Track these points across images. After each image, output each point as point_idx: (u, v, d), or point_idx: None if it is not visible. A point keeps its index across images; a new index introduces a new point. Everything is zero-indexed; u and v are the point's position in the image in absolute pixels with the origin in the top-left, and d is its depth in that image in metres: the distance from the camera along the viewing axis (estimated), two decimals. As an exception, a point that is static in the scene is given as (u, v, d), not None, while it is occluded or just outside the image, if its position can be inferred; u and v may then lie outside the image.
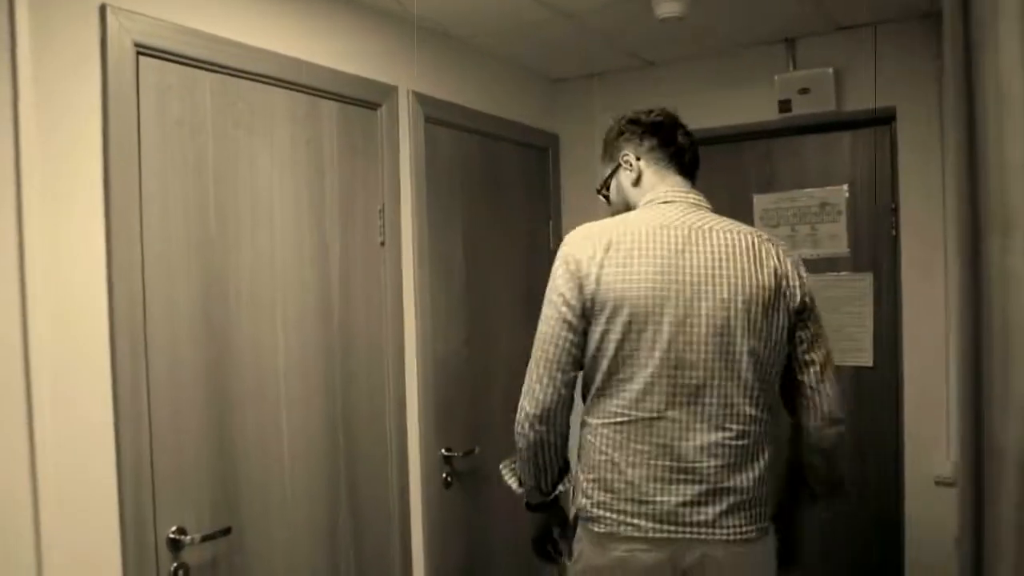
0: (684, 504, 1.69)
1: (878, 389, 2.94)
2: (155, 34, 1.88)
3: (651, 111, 2.01)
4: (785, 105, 2.85)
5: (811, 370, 1.84)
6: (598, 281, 1.73)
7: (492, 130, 3.01)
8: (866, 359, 2.95)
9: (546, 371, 1.78)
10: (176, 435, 1.92)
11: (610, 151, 2.02)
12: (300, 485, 2.23)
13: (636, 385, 1.72)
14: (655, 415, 1.71)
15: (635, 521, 1.71)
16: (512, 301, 3.09)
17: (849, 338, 2.97)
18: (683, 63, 3.15)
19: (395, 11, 2.52)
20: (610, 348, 1.73)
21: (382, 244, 2.51)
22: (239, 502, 2.06)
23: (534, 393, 1.80)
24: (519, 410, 1.83)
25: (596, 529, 1.75)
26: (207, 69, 2.01)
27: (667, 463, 1.71)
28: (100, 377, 1.77)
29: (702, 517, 1.69)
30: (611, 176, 2.01)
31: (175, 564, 1.90)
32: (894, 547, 2.88)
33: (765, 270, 1.76)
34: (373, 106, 2.48)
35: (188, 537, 1.91)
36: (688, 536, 1.69)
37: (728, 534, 1.70)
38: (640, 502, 1.71)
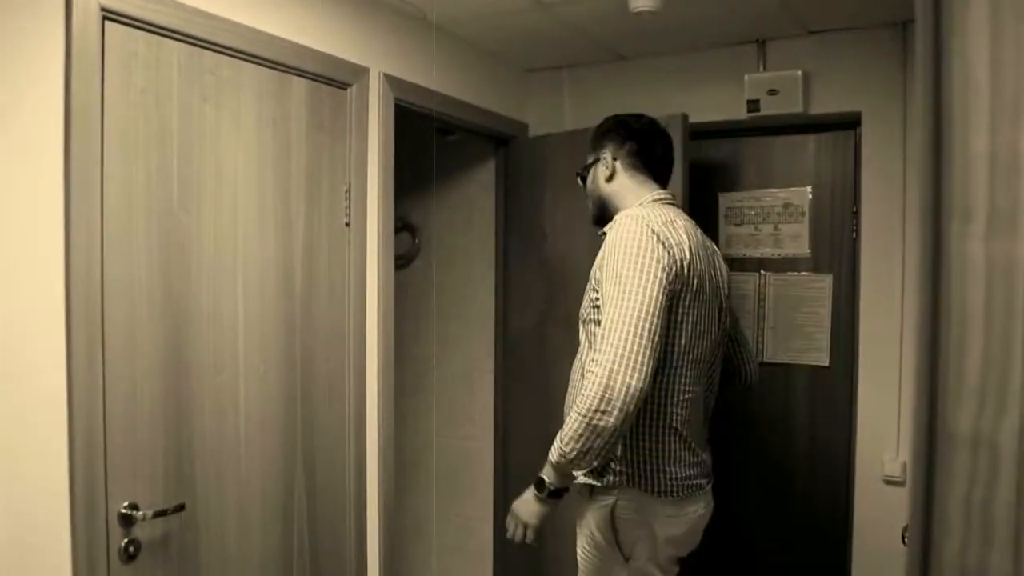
0: (708, 458, 2.10)
1: (833, 388, 2.99)
2: (123, -1, 1.84)
3: (641, 118, 2.22)
4: (754, 105, 2.89)
5: (745, 343, 2.37)
6: (685, 261, 1.90)
7: (463, 117, 3.00)
8: (823, 359, 3.00)
9: (650, 342, 1.75)
10: (131, 409, 1.89)
11: (595, 144, 2.22)
12: (255, 463, 2.21)
13: (701, 363, 2.01)
14: (699, 393, 2.03)
15: (698, 481, 2.01)
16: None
17: (807, 338, 3.02)
18: (654, 59, 3.16)
19: (370, -9, 2.50)
20: (688, 326, 1.93)
21: (347, 224, 2.49)
22: (193, 478, 2.04)
23: (642, 366, 1.74)
24: (617, 384, 1.73)
25: (674, 496, 1.95)
26: (175, 39, 1.97)
27: (701, 430, 2.07)
28: (54, 346, 1.73)
29: (710, 468, 2.11)
30: (590, 166, 2.22)
31: (126, 539, 1.87)
32: (841, 545, 2.95)
33: (724, 264, 2.20)
34: (343, 86, 2.46)
35: (140, 512, 1.88)
36: (710, 485, 2.09)
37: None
38: (697, 464, 2.01)
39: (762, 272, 3.10)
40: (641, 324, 1.76)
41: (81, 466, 1.76)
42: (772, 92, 2.85)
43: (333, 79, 2.42)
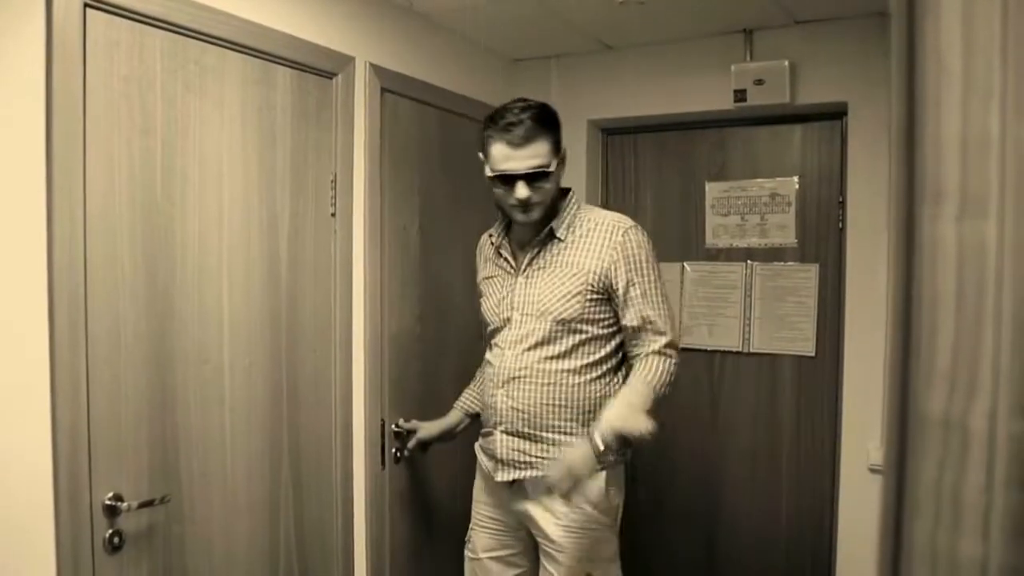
0: None
1: (818, 378, 3.01)
2: (105, -13, 1.82)
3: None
4: (740, 95, 2.89)
5: None
6: None
7: (451, 106, 2.99)
8: (808, 349, 3.01)
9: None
10: (115, 400, 1.88)
11: (554, 134, 2.15)
12: (241, 455, 2.21)
13: None
14: None
15: None
16: (468, 278, 3.08)
17: (793, 327, 3.03)
18: (641, 48, 3.16)
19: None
20: None
21: (333, 215, 2.48)
22: (178, 470, 2.03)
23: (677, 327, 2.30)
24: (675, 341, 2.19)
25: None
26: (158, 27, 1.96)
27: None
28: (36, 338, 1.72)
29: None
30: (560, 162, 2.17)
31: (111, 531, 1.87)
32: (826, 533, 2.97)
33: None
34: (329, 75, 2.45)
35: (125, 504, 1.88)
36: None
37: None
38: None
39: (748, 262, 3.11)
40: (668, 299, 2.24)
41: (64, 457, 1.75)
42: (759, 82, 2.85)
43: (318, 68, 2.41)
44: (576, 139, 3.26)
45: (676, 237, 3.23)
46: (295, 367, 2.37)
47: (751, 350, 3.10)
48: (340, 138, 2.49)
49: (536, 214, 2.13)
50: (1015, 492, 0.46)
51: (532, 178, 2.08)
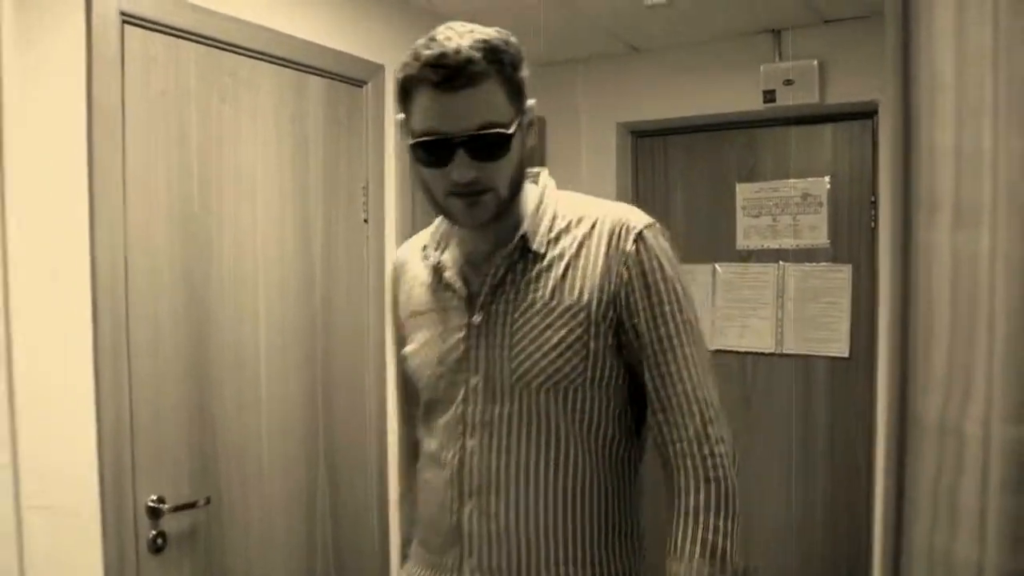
0: None
1: (853, 379, 2.98)
2: (141, 3, 1.88)
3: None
4: (769, 96, 2.88)
5: None
6: None
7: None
8: (842, 350, 2.99)
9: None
10: (156, 405, 1.94)
11: (519, 85, 1.26)
12: (278, 457, 2.26)
13: None
14: None
15: None
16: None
17: (826, 328, 3.01)
18: (669, 50, 3.16)
19: (384, -10, 2.52)
20: None
21: (365, 221, 2.52)
22: (218, 473, 2.09)
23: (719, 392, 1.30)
24: (727, 449, 1.25)
25: None
26: (193, 40, 2.01)
27: None
28: (81, 346, 1.79)
29: None
30: (520, 126, 1.25)
31: (154, 532, 1.93)
32: (863, 535, 2.94)
33: None
34: (359, 83, 2.49)
35: (167, 506, 1.94)
36: None
37: None
38: None
39: (781, 263, 3.09)
40: (708, 361, 1.31)
41: (109, 461, 1.82)
42: (788, 82, 2.84)
43: (349, 77, 2.46)
44: (605, 142, 3.27)
45: (707, 239, 3.23)
46: (330, 371, 2.42)
47: (784, 351, 3.09)
48: (371, 145, 2.53)
49: (488, 210, 1.24)
50: (1010, 496, 0.47)
51: (479, 147, 1.19)
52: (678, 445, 1.24)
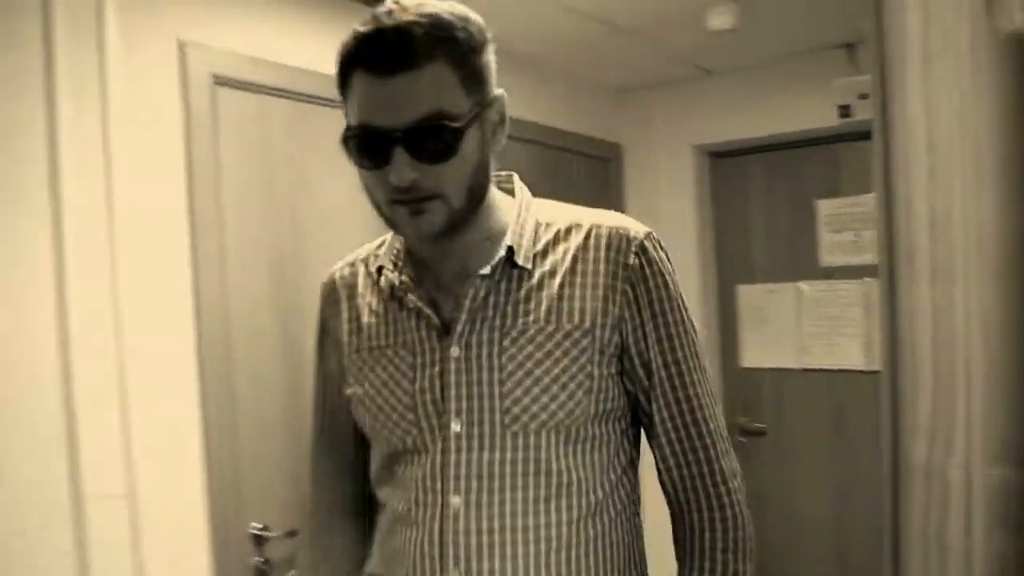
0: None
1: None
2: (231, 66, 2.03)
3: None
4: (845, 110, 2.84)
5: None
6: None
7: (556, 143, 3.09)
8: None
9: None
10: (259, 439, 2.07)
11: (478, 75, 1.04)
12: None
13: None
14: None
15: None
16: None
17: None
18: (740, 71, 3.16)
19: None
20: None
21: (445, 256, 2.62)
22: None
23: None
24: (739, 484, 1.14)
25: None
26: (280, 96, 2.16)
27: None
28: (188, 386, 1.94)
29: None
30: (479, 120, 1.03)
31: (257, 558, 2.05)
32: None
33: None
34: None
35: (270, 533, 2.06)
36: None
37: None
38: None
39: (865, 280, 3.03)
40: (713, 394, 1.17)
41: (217, 491, 1.96)
42: (863, 96, 2.80)
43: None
44: (682, 165, 3.29)
45: (789, 258, 3.20)
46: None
47: (869, 368, 3.02)
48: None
49: (436, 222, 1.03)
50: (995, 537, 0.49)
51: (421, 143, 0.97)
52: (688, 481, 1.12)
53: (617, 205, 3.45)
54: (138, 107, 1.87)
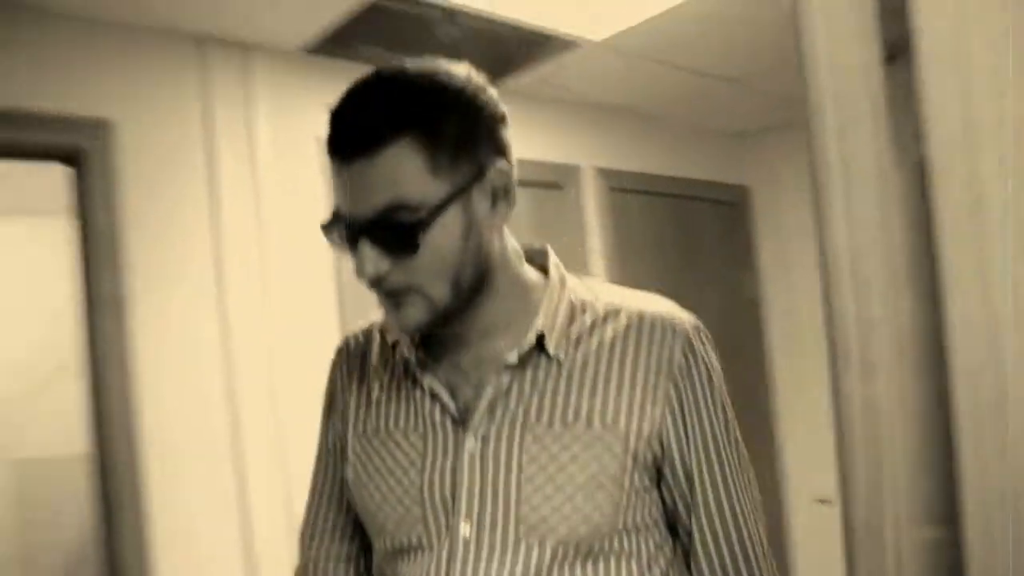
0: None
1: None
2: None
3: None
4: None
5: None
6: None
7: (679, 191, 3.20)
8: None
9: None
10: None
11: (462, 148, 0.88)
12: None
13: None
14: None
15: None
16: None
17: None
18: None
19: (566, 97, 2.82)
20: None
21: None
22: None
23: None
24: None
25: None
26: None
27: None
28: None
29: None
30: (451, 203, 0.87)
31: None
32: None
33: None
34: (557, 186, 2.79)
35: None
36: None
37: None
38: None
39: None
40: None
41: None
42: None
43: (547, 181, 2.77)
44: (807, 211, 3.31)
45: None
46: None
47: None
48: (574, 243, 2.81)
49: (418, 317, 0.91)
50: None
51: (382, 236, 0.87)
52: None
53: (746, 248, 3.49)
54: (283, 180, 2.23)
